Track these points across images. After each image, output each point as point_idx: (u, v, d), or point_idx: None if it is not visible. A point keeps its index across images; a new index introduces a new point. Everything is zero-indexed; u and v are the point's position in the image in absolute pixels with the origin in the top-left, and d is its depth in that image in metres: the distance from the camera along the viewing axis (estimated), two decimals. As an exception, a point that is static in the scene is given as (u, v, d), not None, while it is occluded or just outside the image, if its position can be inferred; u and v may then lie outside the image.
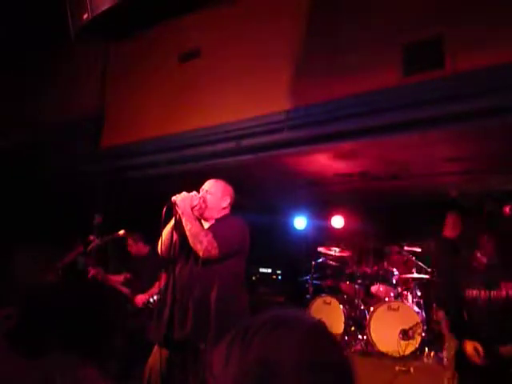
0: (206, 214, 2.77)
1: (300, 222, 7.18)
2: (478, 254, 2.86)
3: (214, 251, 2.51)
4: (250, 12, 4.53)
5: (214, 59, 4.74)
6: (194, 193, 2.69)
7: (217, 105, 4.59)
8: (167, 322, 2.49)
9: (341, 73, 3.82)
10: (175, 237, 2.63)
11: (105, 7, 4.51)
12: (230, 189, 2.90)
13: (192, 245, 2.53)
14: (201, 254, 2.51)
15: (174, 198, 2.59)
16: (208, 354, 2.36)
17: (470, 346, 2.67)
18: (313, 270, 5.83)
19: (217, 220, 2.79)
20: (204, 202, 2.74)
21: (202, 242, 2.50)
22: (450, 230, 2.86)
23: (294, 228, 7.20)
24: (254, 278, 6.83)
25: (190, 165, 4.89)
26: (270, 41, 4.30)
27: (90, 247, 5.02)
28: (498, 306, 2.65)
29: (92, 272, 3.82)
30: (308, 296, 5.70)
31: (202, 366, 2.36)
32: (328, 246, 5.95)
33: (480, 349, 2.62)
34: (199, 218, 2.71)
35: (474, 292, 2.74)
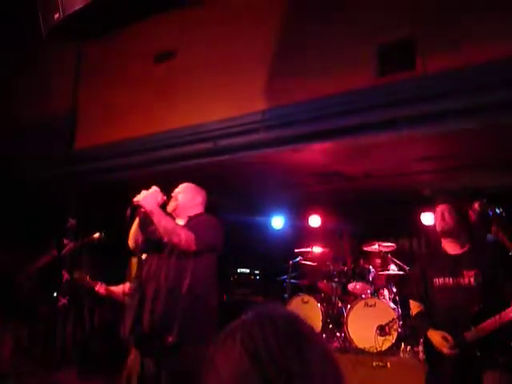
0: (179, 211, 2.80)
1: (277, 222, 7.21)
2: (444, 244, 2.97)
3: (192, 242, 2.52)
4: (225, 13, 4.54)
5: (189, 60, 4.72)
6: (154, 188, 2.66)
7: (193, 105, 4.57)
8: (135, 314, 2.48)
9: (316, 73, 3.86)
10: (140, 237, 2.66)
11: (77, 7, 4.45)
12: (201, 190, 2.96)
13: (168, 239, 2.52)
14: (181, 245, 2.50)
15: (135, 199, 2.58)
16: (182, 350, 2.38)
17: (437, 336, 2.75)
18: (290, 270, 5.85)
19: (190, 218, 2.78)
20: (175, 199, 2.79)
21: (179, 235, 2.50)
22: (439, 222, 2.92)
23: (272, 228, 7.23)
24: (232, 278, 6.82)
25: (166, 166, 4.85)
26: (245, 42, 4.31)
27: (64, 251, 4.94)
28: (461, 293, 2.75)
29: (97, 288, 3.70)
30: (286, 295, 5.73)
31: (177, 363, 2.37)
32: (305, 245, 6.00)
33: (449, 338, 2.70)
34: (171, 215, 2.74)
35: (440, 280, 2.84)
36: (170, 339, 2.41)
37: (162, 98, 4.85)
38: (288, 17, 4.07)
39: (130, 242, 2.76)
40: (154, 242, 2.64)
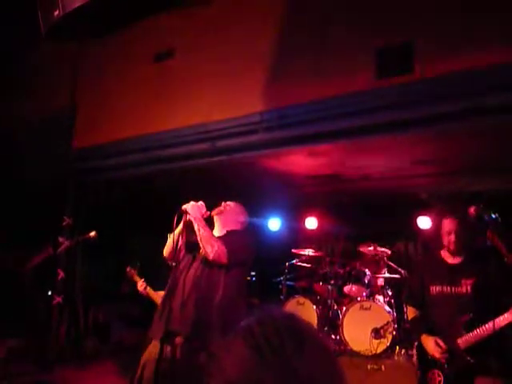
0: (222, 221, 2.99)
1: (274, 224, 7.21)
2: (443, 252, 2.98)
3: (223, 256, 2.68)
4: (225, 14, 4.54)
5: (188, 60, 4.72)
6: (201, 203, 2.89)
7: (191, 105, 4.57)
8: (167, 319, 2.57)
9: (315, 75, 3.87)
10: (181, 241, 2.80)
11: (76, 4, 4.44)
12: (245, 212, 3.16)
13: (203, 247, 2.70)
14: (211, 256, 2.67)
15: (184, 206, 2.80)
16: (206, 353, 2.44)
17: (430, 342, 2.77)
18: (286, 271, 5.86)
19: (228, 232, 2.97)
20: (221, 213, 2.99)
21: (213, 245, 2.68)
22: (446, 237, 2.93)
23: (268, 229, 7.23)
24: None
25: (163, 166, 4.85)
26: (245, 43, 4.32)
27: (59, 249, 4.93)
28: (458, 301, 2.77)
29: (139, 285, 3.76)
30: (282, 297, 5.73)
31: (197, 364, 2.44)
32: (302, 247, 6.00)
33: (441, 343, 2.72)
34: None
35: (438, 288, 2.86)
36: (195, 344, 2.54)
37: (161, 97, 4.85)
38: (288, 19, 4.07)
39: (166, 249, 2.92)
40: (192, 251, 2.83)
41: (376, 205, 6.38)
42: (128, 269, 4.07)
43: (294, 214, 6.96)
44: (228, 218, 3.02)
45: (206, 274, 2.73)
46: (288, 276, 5.90)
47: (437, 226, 3.05)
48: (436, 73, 3.28)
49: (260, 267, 6.87)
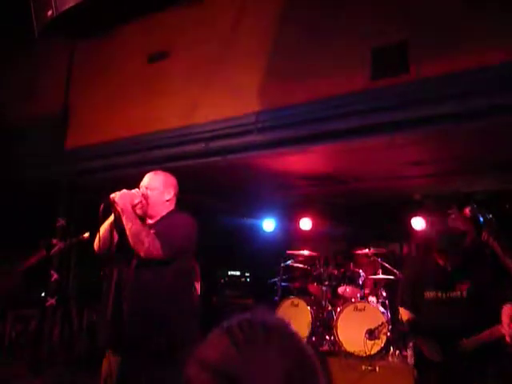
0: (150, 211, 2.58)
1: (268, 225, 7.20)
2: (437, 256, 2.96)
3: (156, 252, 2.34)
4: (219, 13, 4.52)
5: (182, 60, 4.70)
6: (136, 190, 2.54)
7: (185, 106, 4.55)
8: (110, 325, 2.38)
9: (311, 76, 3.86)
10: (115, 236, 2.46)
11: (70, 4, 4.41)
12: (172, 179, 2.70)
13: (132, 244, 2.35)
14: (142, 254, 2.34)
15: (112, 195, 2.44)
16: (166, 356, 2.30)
17: (427, 345, 2.77)
18: (281, 272, 5.86)
19: (162, 217, 2.60)
20: (145, 198, 2.55)
21: (143, 242, 2.33)
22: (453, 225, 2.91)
23: (263, 230, 7.22)
24: (222, 280, 6.80)
25: (158, 166, 4.79)
26: (239, 43, 4.30)
27: (53, 251, 4.89)
28: (453, 306, 2.76)
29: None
30: (276, 298, 5.72)
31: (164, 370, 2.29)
32: (296, 248, 5.99)
33: (438, 347, 2.71)
34: (143, 217, 2.55)
35: (432, 293, 2.84)
36: (151, 347, 2.33)
37: (154, 97, 4.82)
38: (283, 19, 4.07)
39: (96, 243, 2.53)
40: (127, 244, 2.42)
41: (371, 206, 6.39)
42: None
43: (289, 215, 6.96)
44: (155, 204, 2.57)
45: (144, 269, 2.41)
46: (283, 277, 5.90)
47: (431, 227, 3.06)
48: (432, 73, 3.28)
49: (254, 268, 6.87)
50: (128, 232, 2.36)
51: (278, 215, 7.14)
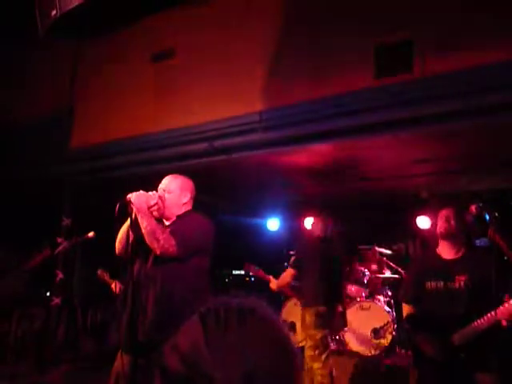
0: (167, 213, 2.66)
1: (273, 224, 7.19)
2: (439, 249, 2.98)
3: (172, 249, 2.41)
4: (224, 13, 4.52)
5: (188, 59, 4.70)
6: (153, 192, 2.60)
7: (190, 105, 4.55)
8: (127, 325, 2.39)
9: (314, 75, 3.85)
10: (131, 236, 2.47)
11: (74, 4, 4.42)
12: (189, 183, 2.78)
13: (149, 243, 2.41)
14: (158, 251, 2.40)
15: (129, 195, 2.47)
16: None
17: (425, 339, 2.78)
18: (285, 272, 5.83)
19: (178, 217, 2.67)
20: (162, 201, 2.62)
21: (158, 240, 2.39)
22: (443, 224, 2.93)
23: (268, 230, 7.21)
24: (227, 280, 6.79)
25: (162, 166, 4.82)
26: (243, 42, 4.30)
27: (57, 250, 4.90)
28: (452, 297, 2.77)
29: (112, 286, 3.70)
30: (281, 297, 5.71)
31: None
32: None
33: (436, 341, 2.71)
34: (159, 218, 2.61)
35: (432, 284, 2.86)
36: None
37: (159, 97, 4.83)
38: (286, 18, 4.06)
39: (117, 244, 2.62)
40: (144, 245, 2.48)
41: (376, 204, 6.37)
42: (99, 271, 3.98)
43: (293, 214, 6.94)
44: (172, 205, 2.65)
45: (161, 268, 2.47)
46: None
47: (435, 225, 3.06)
48: (435, 72, 3.26)
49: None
50: (144, 231, 2.42)
51: (283, 214, 7.13)
